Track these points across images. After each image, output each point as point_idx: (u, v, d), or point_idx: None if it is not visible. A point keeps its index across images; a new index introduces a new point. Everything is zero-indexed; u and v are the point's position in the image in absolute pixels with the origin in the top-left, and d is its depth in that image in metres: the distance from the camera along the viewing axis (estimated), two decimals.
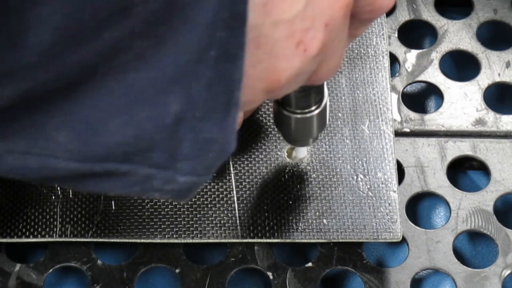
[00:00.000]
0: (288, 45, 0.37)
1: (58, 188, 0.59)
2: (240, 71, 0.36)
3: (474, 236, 0.64)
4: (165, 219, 0.58)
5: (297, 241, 0.58)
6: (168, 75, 0.34)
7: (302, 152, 0.59)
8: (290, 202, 0.58)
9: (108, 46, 0.33)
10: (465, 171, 0.66)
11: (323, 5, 0.37)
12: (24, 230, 0.57)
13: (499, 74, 0.66)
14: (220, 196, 0.59)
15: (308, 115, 0.50)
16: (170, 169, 0.37)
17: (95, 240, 0.58)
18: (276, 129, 0.61)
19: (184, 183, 0.38)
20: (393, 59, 0.67)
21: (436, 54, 0.67)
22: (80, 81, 0.33)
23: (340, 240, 0.58)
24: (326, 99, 0.50)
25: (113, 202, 0.58)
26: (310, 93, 0.48)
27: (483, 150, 0.63)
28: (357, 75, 0.63)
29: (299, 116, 0.50)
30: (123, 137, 0.35)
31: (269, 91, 0.39)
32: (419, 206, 0.65)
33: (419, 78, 0.66)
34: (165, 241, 0.58)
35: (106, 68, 0.33)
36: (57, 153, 0.35)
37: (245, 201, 0.58)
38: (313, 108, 0.49)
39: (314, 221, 0.58)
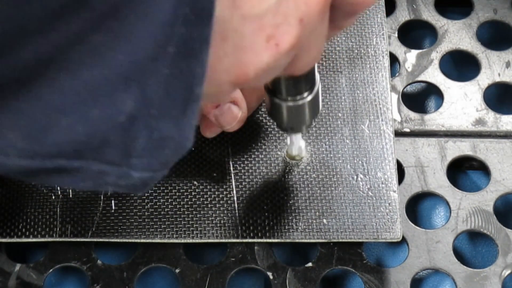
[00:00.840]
0: (257, 40, 0.37)
1: (58, 188, 0.59)
2: (202, 66, 0.35)
3: (474, 236, 0.64)
4: (165, 219, 0.58)
5: (297, 241, 0.58)
6: (123, 73, 0.34)
7: (297, 139, 0.59)
8: (290, 202, 0.58)
9: (63, 39, 0.32)
10: (465, 171, 0.66)
11: (298, 0, 0.37)
12: (24, 230, 0.57)
13: (499, 74, 0.66)
14: (220, 196, 0.59)
15: (300, 102, 0.48)
16: (124, 166, 0.36)
17: (95, 240, 0.58)
18: (276, 129, 0.61)
19: (140, 178, 0.37)
20: (393, 59, 0.67)
21: (436, 54, 0.67)
22: (32, 77, 0.33)
23: (340, 240, 0.58)
24: (318, 85, 0.49)
25: (113, 202, 0.58)
26: (301, 80, 0.47)
27: (483, 150, 0.63)
28: (357, 75, 0.63)
29: (290, 103, 0.48)
30: (74, 135, 0.34)
31: (236, 84, 0.39)
32: (419, 206, 0.65)
33: (419, 78, 0.66)
34: (165, 241, 0.58)
35: (60, 63, 0.33)
36: (8, 150, 0.34)
37: (245, 201, 0.58)
38: (304, 95, 0.48)
39: (314, 221, 0.58)
